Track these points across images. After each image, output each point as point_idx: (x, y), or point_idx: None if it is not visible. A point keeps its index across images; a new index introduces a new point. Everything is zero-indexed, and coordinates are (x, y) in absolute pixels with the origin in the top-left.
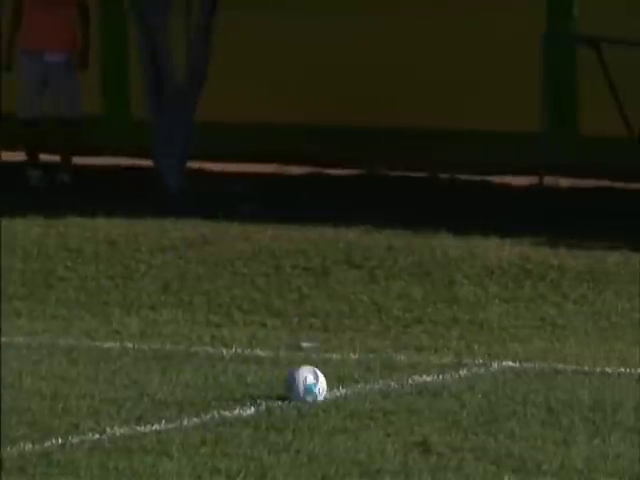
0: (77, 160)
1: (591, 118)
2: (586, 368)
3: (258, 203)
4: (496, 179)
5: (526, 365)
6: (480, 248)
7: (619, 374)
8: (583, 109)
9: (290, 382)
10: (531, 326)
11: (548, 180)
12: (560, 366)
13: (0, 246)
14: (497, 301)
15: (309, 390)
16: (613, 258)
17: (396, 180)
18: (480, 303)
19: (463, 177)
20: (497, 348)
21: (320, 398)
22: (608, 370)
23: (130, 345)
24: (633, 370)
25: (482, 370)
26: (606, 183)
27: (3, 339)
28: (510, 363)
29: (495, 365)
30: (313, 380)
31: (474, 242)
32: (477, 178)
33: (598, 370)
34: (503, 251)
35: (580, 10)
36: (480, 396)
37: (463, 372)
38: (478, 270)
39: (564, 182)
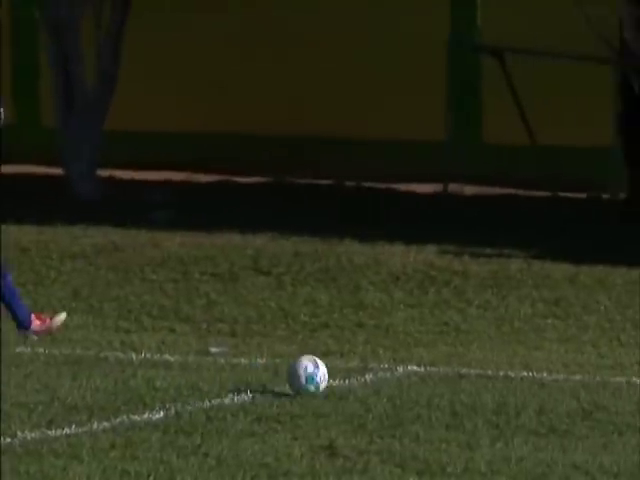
0: None
1: (495, 127)
2: (489, 372)
3: (173, 211)
4: (401, 187)
5: (431, 369)
6: (385, 255)
7: (522, 378)
8: (487, 118)
9: (291, 373)
10: (435, 331)
11: (453, 188)
12: (464, 370)
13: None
14: (402, 306)
15: (310, 379)
16: (516, 264)
17: (303, 188)
18: (385, 309)
19: (369, 185)
20: (402, 353)
21: (322, 386)
22: (511, 374)
23: (41, 350)
24: (535, 374)
25: (387, 374)
26: (510, 191)
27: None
28: (415, 367)
29: (400, 369)
30: (313, 369)
31: (379, 249)
32: (382, 186)
33: (501, 374)
34: (408, 258)
35: (483, 20)
36: (385, 400)
37: (369, 376)
38: (383, 276)
39: (468, 189)
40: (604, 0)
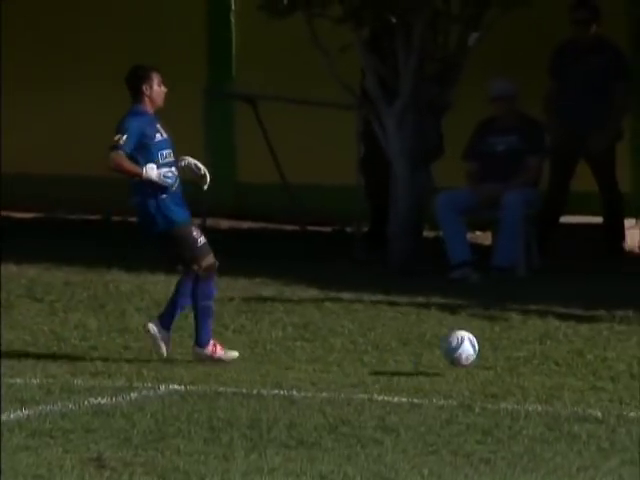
0: None
1: (248, 166)
2: (244, 390)
3: None
4: None
5: (190, 388)
6: (149, 283)
7: (273, 395)
8: (241, 158)
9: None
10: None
11: (210, 222)
12: (221, 388)
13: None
14: None
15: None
16: (268, 292)
17: (74, 222)
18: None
19: (133, 220)
20: (165, 373)
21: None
22: (264, 392)
23: None
24: (286, 392)
25: (151, 393)
26: (262, 225)
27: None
28: (176, 386)
29: (162, 388)
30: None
31: (143, 278)
32: None
33: (255, 392)
34: (169, 286)
35: (237, 70)
36: (149, 416)
37: (134, 395)
38: (147, 302)
39: (224, 224)
40: (347, 50)
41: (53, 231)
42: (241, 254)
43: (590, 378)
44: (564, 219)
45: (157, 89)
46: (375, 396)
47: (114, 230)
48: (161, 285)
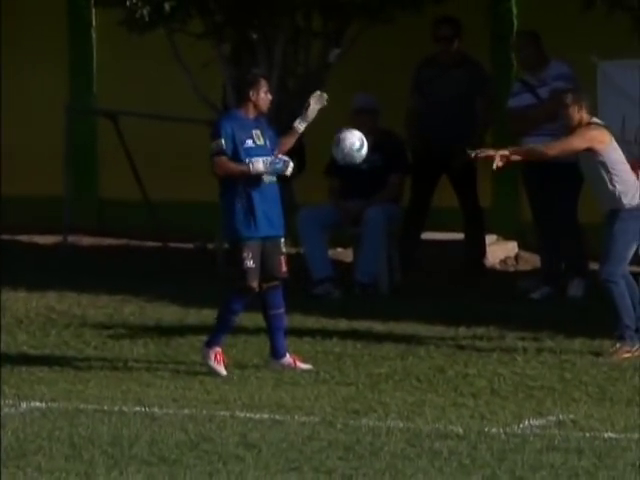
0: None
1: (110, 183)
2: (105, 407)
3: None
4: (24, 238)
5: (51, 405)
6: (10, 300)
7: (135, 412)
8: (103, 175)
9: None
10: (56, 370)
11: (72, 239)
12: (82, 406)
13: None
14: (25, 348)
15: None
16: (129, 309)
17: None
18: (11, 350)
19: None
20: (26, 390)
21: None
22: (125, 409)
23: None
24: (148, 409)
25: (12, 410)
26: (124, 241)
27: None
28: (37, 403)
29: (24, 405)
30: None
31: (4, 295)
32: (6, 237)
33: (116, 409)
34: (31, 303)
35: (99, 87)
36: (10, 433)
37: None
38: (8, 320)
39: (86, 240)
40: (209, 66)
41: None
42: (103, 271)
43: (451, 394)
44: (425, 235)
45: (263, 96)
46: (237, 413)
47: None
48: (22, 302)
